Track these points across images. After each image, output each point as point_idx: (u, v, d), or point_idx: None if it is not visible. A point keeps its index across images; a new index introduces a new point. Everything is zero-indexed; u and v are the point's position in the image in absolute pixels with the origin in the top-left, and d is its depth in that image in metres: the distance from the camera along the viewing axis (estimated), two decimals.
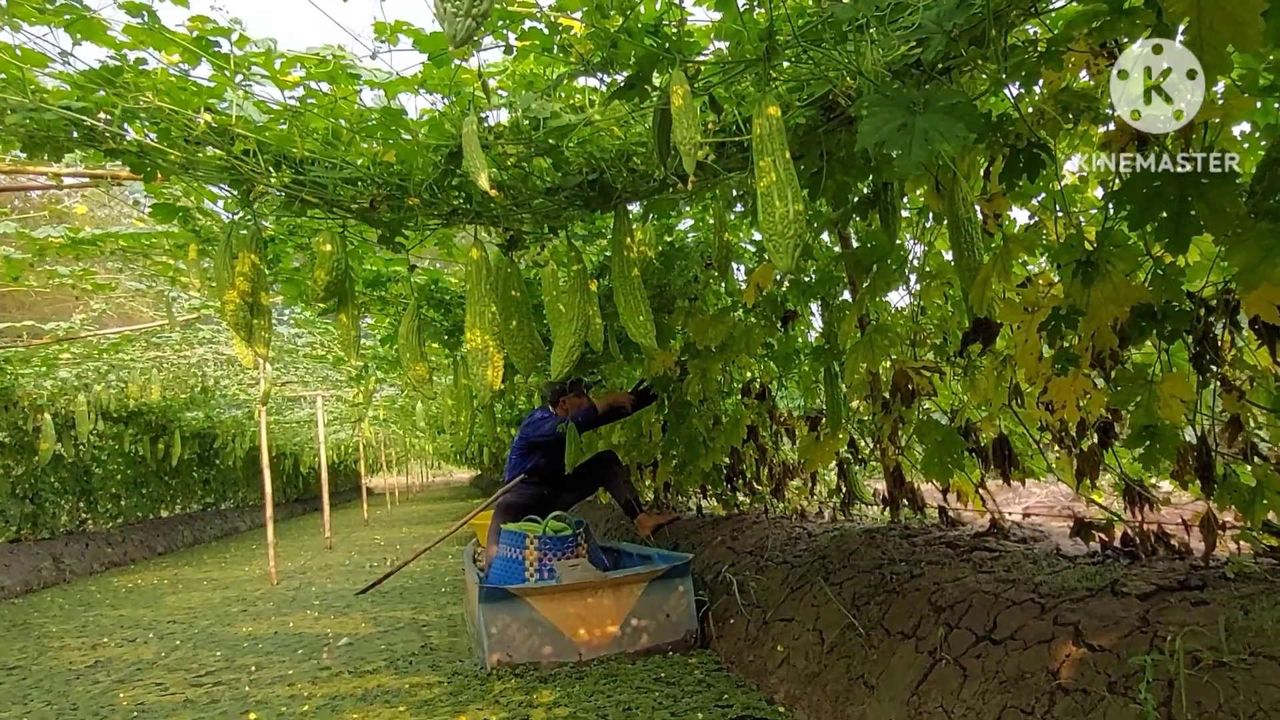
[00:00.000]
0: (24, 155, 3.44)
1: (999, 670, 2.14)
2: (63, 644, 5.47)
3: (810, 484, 4.24)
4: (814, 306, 4.32)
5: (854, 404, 3.97)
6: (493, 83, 1.99)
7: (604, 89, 1.94)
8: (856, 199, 3.13)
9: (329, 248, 2.27)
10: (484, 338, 2.07)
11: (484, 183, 1.71)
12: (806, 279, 4.15)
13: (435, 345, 5.54)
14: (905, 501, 3.52)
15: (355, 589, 7.01)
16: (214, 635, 5.35)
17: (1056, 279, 2.61)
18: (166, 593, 7.88)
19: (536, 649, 3.85)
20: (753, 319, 4.43)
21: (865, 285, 3.35)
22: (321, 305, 2.54)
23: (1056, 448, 2.68)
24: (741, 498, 5.52)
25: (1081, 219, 2.63)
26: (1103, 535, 2.58)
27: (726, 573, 4.27)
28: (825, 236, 4.09)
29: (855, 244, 3.84)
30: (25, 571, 8.87)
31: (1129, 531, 2.51)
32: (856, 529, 3.81)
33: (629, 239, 2.18)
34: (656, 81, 1.75)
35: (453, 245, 3.91)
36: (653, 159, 1.97)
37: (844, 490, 4.01)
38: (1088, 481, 2.55)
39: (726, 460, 5.30)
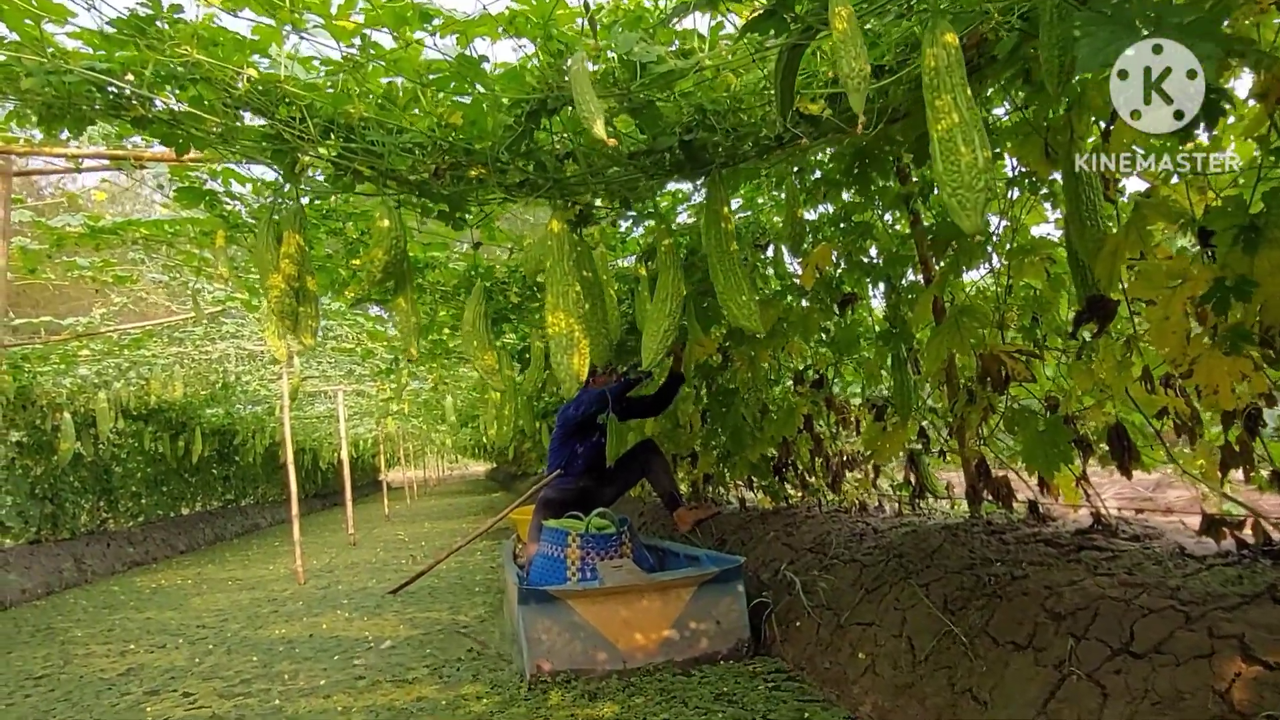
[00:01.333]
0: (39, 135, 3.23)
1: (1148, 689, 1.90)
2: (89, 650, 5.29)
3: (874, 476, 4.00)
4: (873, 289, 4.08)
5: (926, 391, 3.73)
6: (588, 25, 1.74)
7: (707, 32, 1.70)
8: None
9: (386, 223, 2.03)
10: (569, 321, 1.82)
11: (599, 130, 1.47)
12: (868, 260, 3.91)
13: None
14: (989, 495, 3.28)
15: (385, 588, 6.82)
16: (247, 639, 5.16)
17: (1185, 248, 2.35)
18: (191, 593, 7.71)
19: (578, 655, 3.61)
20: (807, 303, 4.19)
21: (945, 264, 3.10)
22: (376, 289, 2.32)
23: (1181, 437, 2.43)
24: (790, 490, 5.28)
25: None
26: (1235, 533, 2.34)
27: (786, 571, 4.03)
28: (889, 216, 3.84)
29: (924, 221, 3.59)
30: (47, 573, 8.72)
31: (1268, 529, 2.27)
32: (932, 524, 3.57)
33: (725, 208, 1.94)
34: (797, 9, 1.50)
35: (495, 228, 3.68)
36: (757, 115, 1.73)
37: (914, 483, 3.76)
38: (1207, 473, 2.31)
39: (773, 451, 5.07)
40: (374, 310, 5.71)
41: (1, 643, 5.84)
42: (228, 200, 3.50)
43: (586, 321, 2.28)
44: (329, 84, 1.87)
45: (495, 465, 36.97)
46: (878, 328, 3.96)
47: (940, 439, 3.70)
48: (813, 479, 4.79)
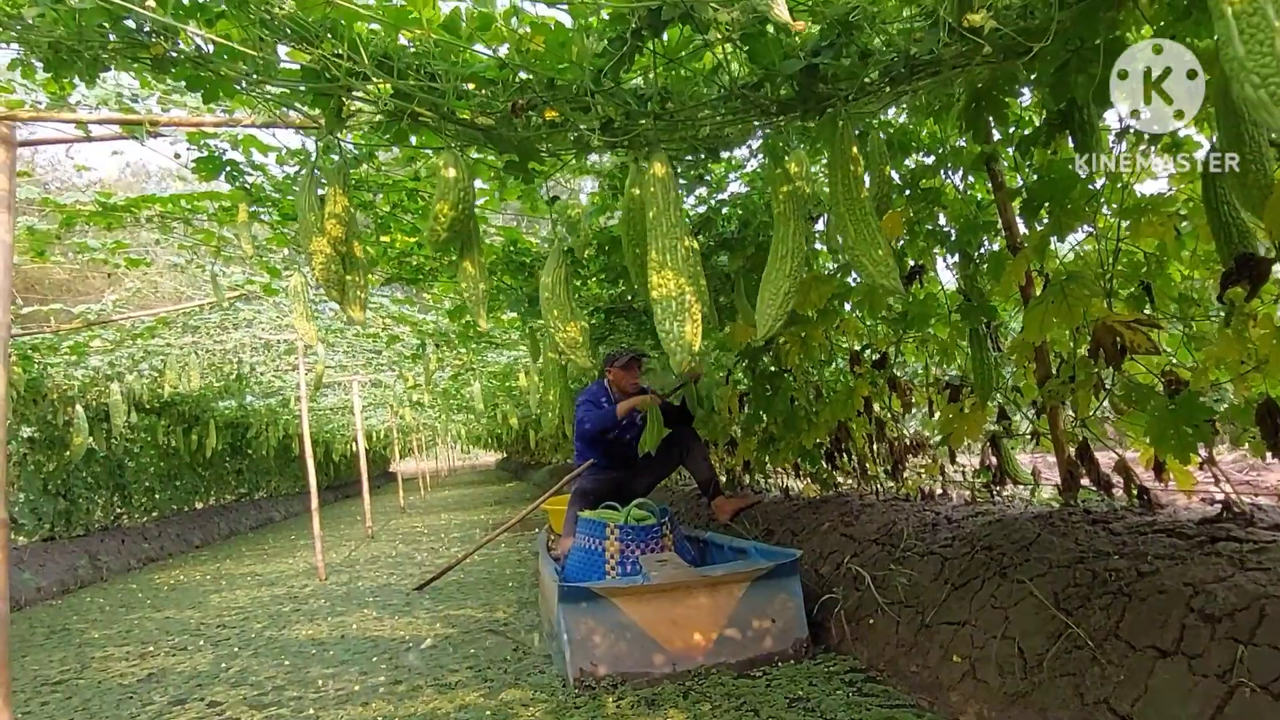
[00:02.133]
0: (45, 102, 2.96)
1: None
2: (106, 653, 5.06)
3: (947, 461, 3.72)
4: (945, 260, 3.79)
5: (1008, 369, 3.45)
6: None
7: None
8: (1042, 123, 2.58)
9: (453, 173, 1.74)
10: (679, 281, 1.54)
11: (781, 11, 1.20)
12: (940, 227, 3.62)
13: (504, 318, 5.04)
14: (1089, 481, 3.00)
15: (409, 584, 6.58)
16: (273, 641, 4.91)
17: None
18: (210, 590, 7.48)
19: (624, 657, 3.33)
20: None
21: (1043, 228, 2.80)
22: (440, 251, 2.05)
23: None
24: (841, 478, 5.01)
25: None
26: None
27: (851, 564, 3.77)
28: (958, 179, 3.55)
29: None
30: (61, 571, 8.51)
31: None
32: (1018, 513, 3.29)
33: (853, 149, 1.65)
34: None
35: (536, 198, 3.40)
36: (895, 31, 1.45)
37: (994, 468, 3.48)
38: None
39: (821, 437, 4.80)
40: (400, 293, 5.46)
41: (17, 645, 5.61)
42: (250, 171, 3.23)
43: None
44: (383, 5, 1.59)
45: (506, 455, 36.75)
46: (949, 302, 3.67)
47: (1026, 420, 3.41)
48: (872, 465, 4.51)
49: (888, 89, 1.65)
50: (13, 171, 2.70)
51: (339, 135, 1.95)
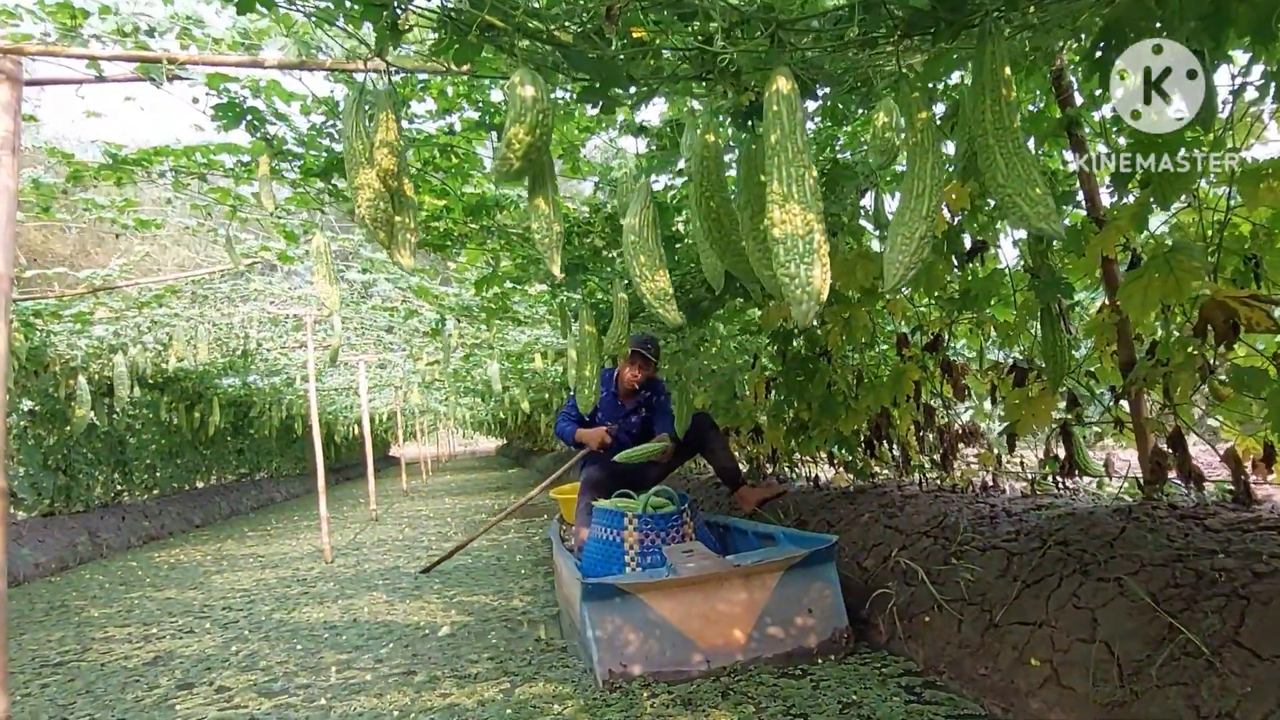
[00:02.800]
0: (53, 36, 2.73)
1: None
2: (107, 634, 4.85)
3: (1008, 450, 3.49)
4: (1010, 236, 3.56)
5: (1080, 351, 3.23)
6: None
7: None
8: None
9: (531, 91, 1.50)
10: (807, 217, 1.30)
11: None
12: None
13: (532, 292, 4.80)
14: (1177, 475, 2.78)
15: (417, 567, 6.37)
16: (283, 624, 4.70)
17: None
18: (212, 571, 7.28)
19: (655, 656, 3.10)
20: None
21: (1140, 195, 2.57)
22: (509, 183, 1.82)
23: None
24: (878, 468, 4.79)
25: None
26: None
27: (900, 558, 3.55)
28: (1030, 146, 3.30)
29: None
30: (61, 547, 8.31)
31: None
32: (1092, 507, 3.07)
33: (1006, 71, 1.41)
34: None
35: (578, 158, 3.17)
36: None
37: (1063, 459, 3.26)
38: None
39: (859, 425, 4.57)
40: (424, 261, 5.22)
41: (15, 622, 5.41)
42: (272, 121, 2.99)
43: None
44: None
45: (507, 441, 36.55)
46: (1014, 280, 3.45)
47: (1100, 407, 3.19)
48: (916, 454, 4.29)
49: (1032, 8, 1.41)
50: (17, 112, 2.47)
51: (387, 60, 1.71)
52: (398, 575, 6.14)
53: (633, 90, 1.72)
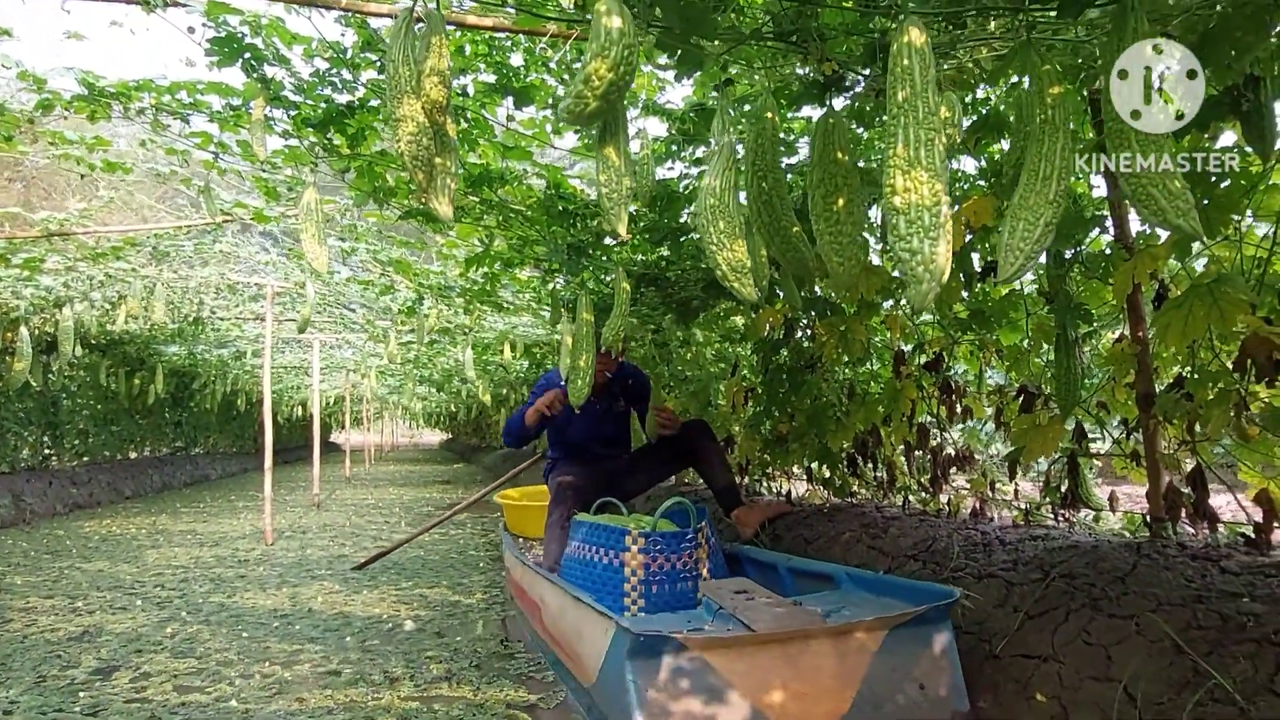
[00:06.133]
0: None
1: None
2: (28, 603, 4.52)
3: (1009, 477, 3.40)
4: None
5: (1094, 380, 3.15)
6: None
7: None
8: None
9: (618, 23, 1.32)
10: (934, 186, 1.15)
11: None
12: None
13: (522, 276, 4.60)
14: (1191, 513, 2.70)
15: (364, 557, 6.07)
16: (224, 609, 4.40)
17: None
18: (146, 545, 6.91)
19: None
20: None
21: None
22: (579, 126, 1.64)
23: None
24: (857, 486, 4.69)
25: None
26: None
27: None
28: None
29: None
30: None
31: None
32: (1096, 540, 2.99)
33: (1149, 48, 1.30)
34: None
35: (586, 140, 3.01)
36: None
37: (1065, 490, 3.18)
38: None
39: (845, 442, 4.46)
40: (403, 236, 4.98)
41: None
42: (272, 63, 2.78)
43: (838, 225, 1.62)
44: None
45: (452, 435, 35.99)
46: (1027, 303, 3.37)
47: (1110, 438, 3.11)
48: (903, 475, 4.19)
49: None
50: None
51: None
52: (346, 563, 5.87)
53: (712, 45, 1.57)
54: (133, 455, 13.31)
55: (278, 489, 13.61)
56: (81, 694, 2.97)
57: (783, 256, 1.84)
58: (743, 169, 1.82)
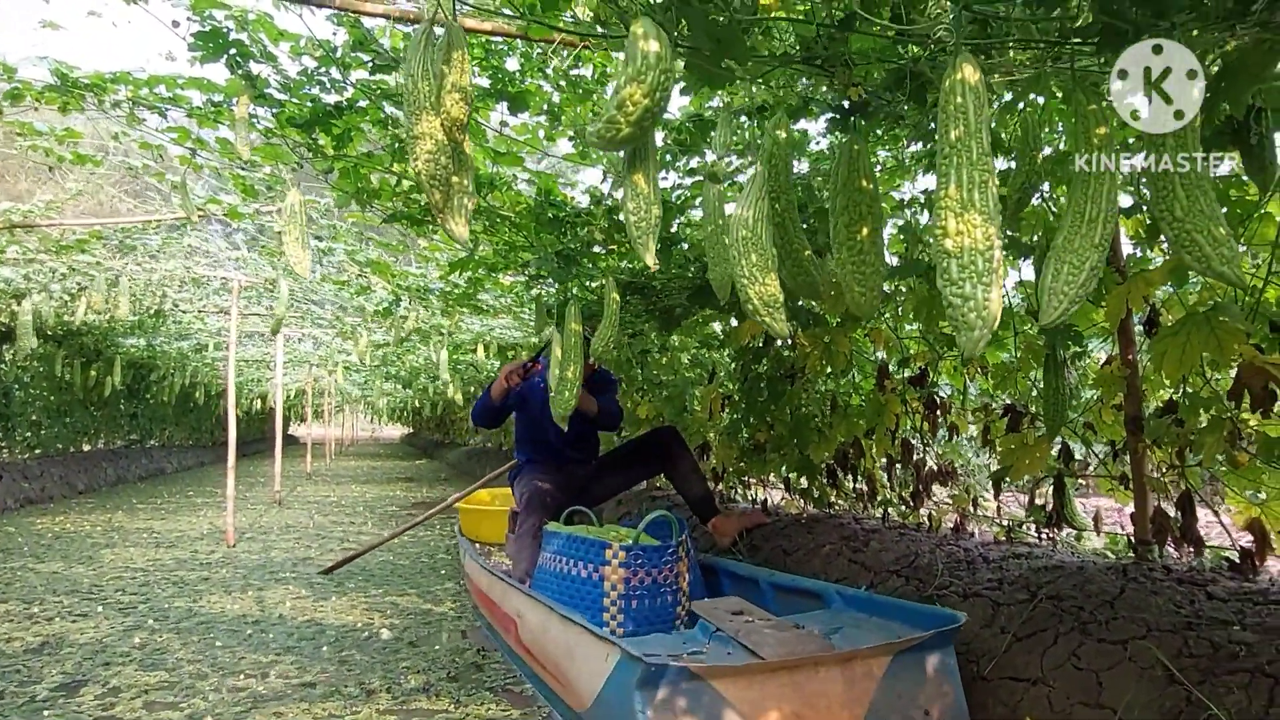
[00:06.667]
0: None
1: None
2: None
3: (993, 494, 3.42)
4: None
5: (1083, 400, 3.17)
6: None
7: None
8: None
9: (655, 47, 1.26)
10: (988, 230, 1.06)
11: None
12: (1016, 236, 3.32)
13: (505, 281, 4.52)
14: (1177, 538, 2.73)
15: (330, 559, 5.95)
16: (192, 614, 4.27)
17: None
18: (101, 545, 6.71)
19: None
20: (911, 283, 3.60)
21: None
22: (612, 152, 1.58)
23: None
24: (836, 498, 4.69)
25: None
26: None
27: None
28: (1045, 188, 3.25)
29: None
30: None
31: None
32: (1081, 562, 3.01)
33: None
34: None
35: (586, 144, 2.95)
36: None
37: (1049, 510, 3.20)
38: None
39: (827, 453, 4.46)
40: (383, 237, 4.87)
41: None
42: (258, 59, 2.69)
43: (860, 254, 1.59)
44: None
45: (414, 430, 35.57)
46: (1015, 322, 3.38)
47: (1096, 460, 3.14)
48: (884, 488, 4.19)
49: (1218, 25, 1.28)
50: None
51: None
52: (311, 566, 5.75)
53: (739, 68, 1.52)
54: (85, 447, 12.95)
55: (237, 484, 13.33)
56: (45, 712, 2.85)
57: (793, 280, 1.81)
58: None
